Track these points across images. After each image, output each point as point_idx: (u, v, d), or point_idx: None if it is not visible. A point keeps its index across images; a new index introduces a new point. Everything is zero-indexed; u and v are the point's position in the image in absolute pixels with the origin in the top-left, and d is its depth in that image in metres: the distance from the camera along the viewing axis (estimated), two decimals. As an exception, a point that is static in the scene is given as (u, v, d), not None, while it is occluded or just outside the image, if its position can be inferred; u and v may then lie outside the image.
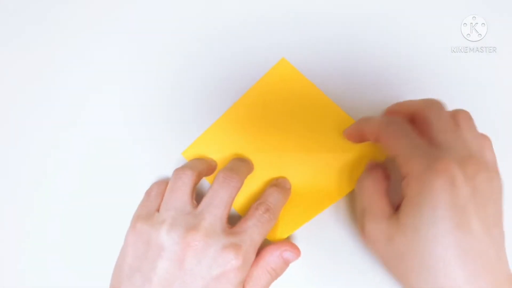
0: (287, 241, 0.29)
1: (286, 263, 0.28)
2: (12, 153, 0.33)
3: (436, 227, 0.22)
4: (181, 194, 0.26)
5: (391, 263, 0.24)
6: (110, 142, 0.33)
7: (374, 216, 0.25)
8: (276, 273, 0.27)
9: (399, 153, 0.24)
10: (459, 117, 0.26)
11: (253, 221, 0.26)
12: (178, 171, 0.28)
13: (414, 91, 0.33)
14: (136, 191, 0.31)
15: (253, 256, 0.26)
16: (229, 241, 0.25)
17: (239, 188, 0.27)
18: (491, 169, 0.24)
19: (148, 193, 0.29)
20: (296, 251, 0.28)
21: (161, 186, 0.29)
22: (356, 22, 0.33)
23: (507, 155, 0.32)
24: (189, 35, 0.33)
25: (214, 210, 0.26)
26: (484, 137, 0.26)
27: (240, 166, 0.29)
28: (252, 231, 0.26)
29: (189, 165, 0.28)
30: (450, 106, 0.33)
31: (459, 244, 0.21)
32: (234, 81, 0.33)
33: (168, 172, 0.32)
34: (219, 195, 0.26)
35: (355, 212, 0.31)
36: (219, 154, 0.31)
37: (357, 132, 0.28)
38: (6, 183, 0.32)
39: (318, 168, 0.31)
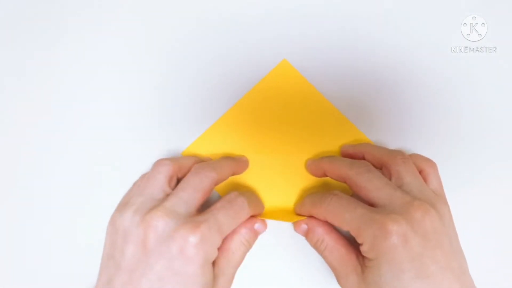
0: (255, 217, 0.29)
1: (256, 235, 0.28)
2: (12, 154, 0.33)
3: (397, 282, 0.23)
4: (155, 182, 0.26)
5: None
6: (109, 142, 0.32)
7: (344, 269, 0.26)
8: (249, 244, 0.28)
9: (348, 228, 0.25)
10: (396, 163, 0.27)
11: (222, 203, 0.26)
12: (157, 162, 0.28)
13: (414, 91, 0.33)
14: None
15: (216, 236, 0.24)
16: (189, 220, 0.24)
17: (213, 178, 0.27)
18: (435, 204, 0.25)
19: (135, 183, 0.30)
20: (264, 223, 0.29)
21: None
22: (356, 23, 0.33)
23: (508, 155, 0.32)
24: (190, 35, 0.33)
25: (180, 193, 0.25)
26: (428, 165, 0.28)
27: (220, 161, 0.29)
28: (218, 211, 0.25)
29: (170, 158, 0.29)
30: (451, 106, 0.33)
31: None
32: (235, 81, 0.33)
33: (168, 172, 0.32)
34: (188, 181, 0.26)
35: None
36: (218, 154, 0.31)
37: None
38: (4, 182, 0.32)
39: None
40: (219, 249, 0.25)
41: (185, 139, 0.32)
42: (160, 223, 0.24)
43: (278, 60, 0.33)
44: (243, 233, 0.27)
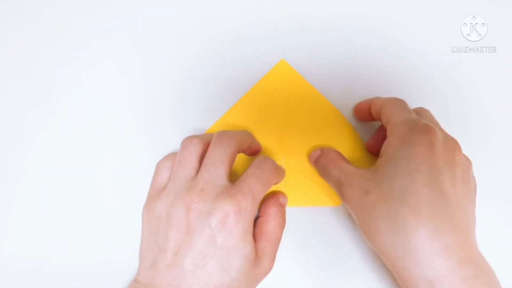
0: (273, 191, 0.30)
1: (284, 208, 0.29)
2: (17, 154, 0.32)
3: (411, 180, 0.23)
4: (187, 164, 0.27)
5: (366, 216, 0.24)
6: (108, 143, 0.32)
7: (351, 179, 0.26)
8: (283, 220, 0.28)
9: (392, 120, 0.26)
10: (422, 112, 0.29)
11: (252, 169, 0.26)
12: (186, 141, 0.28)
13: (414, 91, 0.33)
14: (135, 191, 0.31)
15: (253, 204, 0.25)
16: (225, 193, 0.25)
17: (234, 146, 0.27)
18: (468, 159, 0.26)
19: (158, 167, 0.29)
20: (284, 194, 0.30)
21: (172, 159, 0.29)
22: (356, 23, 0.33)
23: (508, 155, 0.32)
24: (189, 36, 0.33)
25: (210, 169, 0.26)
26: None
27: (234, 131, 0.29)
28: (250, 179, 0.26)
29: (197, 135, 0.29)
30: (451, 106, 0.33)
31: (430, 199, 0.22)
32: (234, 82, 0.32)
33: (167, 172, 0.32)
34: (213, 154, 0.26)
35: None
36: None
37: (364, 107, 0.30)
38: (10, 183, 0.32)
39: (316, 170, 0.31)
40: (257, 233, 0.27)
41: (185, 138, 0.32)
42: (200, 204, 0.24)
43: (276, 61, 0.32)
44: (275, 212, 0.28)
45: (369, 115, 0.30)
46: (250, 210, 0.25)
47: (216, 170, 0.26)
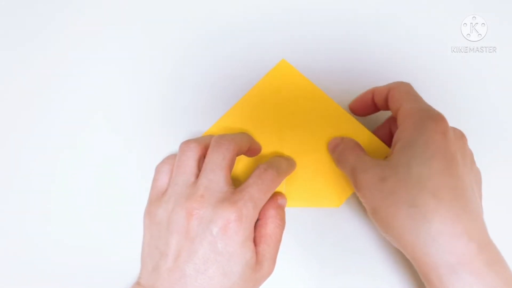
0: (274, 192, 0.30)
1: (283, 209, 0.29)
2: (19, 157, 0.32)
3: (428, 166, 0.23)
4: (185, 169, 0.27)
5: (382, 202, 0.24)
6: (107, 145, 0.32)
7: (366, 166, 0.26)
8: (283, 222, 0.28)
9: (403, 107, 0.26)
10: None
11: (253, 179, 0.26)
12: (183, 145, 0.28)
13: (414, 91, 0.33)
14: (135, 193, 0.31)
15: (253, 212, 0.26)
16: (226, 199, 0.25)
17: (233, 151, 0.27)
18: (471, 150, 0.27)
19: (158, 170, 0.29)
20: (283, 195, 0.30)
21: (171, 162, 0.29)
22: (356, 22, 0.33)
23: (508, 155, 0.32)
24: (189, 36, 0.33)
25: (209, 175, 0.26)
26: None
27: (237, 133, 0.29)
28: (251, 188, 0.26)
29: (195, 139, 0.29)
30: (450, 106, 0.33)
31: (449, 185, 0.23)
32: (235, 81, 0.33)
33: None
34: (212, 159, 0.26)
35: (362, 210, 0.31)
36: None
37: (367, 98, 0.30)
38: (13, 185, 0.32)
39: (319, 169, 0.31)
40: (257, 236, 0.27)
41: (186, 139, 0.32)
42: (200, 211, 0.25)
43: (278, 61, 0.33)
44: (274, 215, 0.28)
45: (372, 107, 0.30)
46: (251, 217, 0.25)
47: (215, 176, 0.26)
